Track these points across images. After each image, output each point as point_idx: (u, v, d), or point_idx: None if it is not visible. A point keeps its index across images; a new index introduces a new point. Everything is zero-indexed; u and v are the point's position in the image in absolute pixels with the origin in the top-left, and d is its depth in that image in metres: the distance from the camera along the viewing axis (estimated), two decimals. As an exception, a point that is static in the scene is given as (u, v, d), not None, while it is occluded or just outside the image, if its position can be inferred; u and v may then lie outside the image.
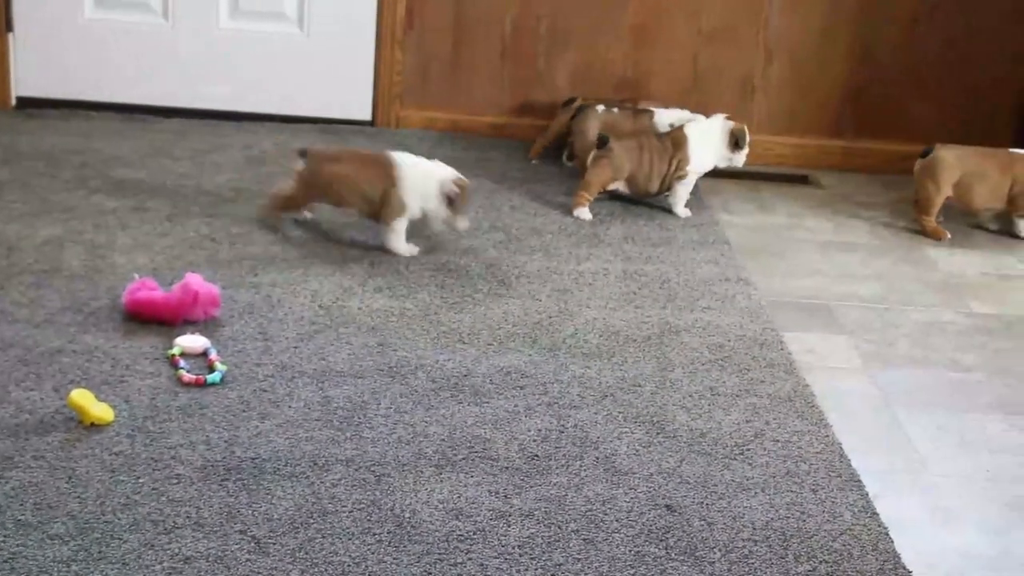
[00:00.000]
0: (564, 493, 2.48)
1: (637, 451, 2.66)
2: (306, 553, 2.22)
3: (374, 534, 2.29)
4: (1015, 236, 4.37)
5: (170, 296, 3.09)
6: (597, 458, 2.62)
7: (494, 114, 5.06)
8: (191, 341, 2.95)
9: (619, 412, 2.83)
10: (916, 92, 5.07)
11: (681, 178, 4.25)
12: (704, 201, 4.43)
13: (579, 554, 2.29)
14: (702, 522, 2.42)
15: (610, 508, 2.44)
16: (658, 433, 2.74)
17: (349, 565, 2.20)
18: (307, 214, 3.85)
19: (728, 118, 4.34)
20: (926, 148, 4.34)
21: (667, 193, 4.29)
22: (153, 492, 2.37)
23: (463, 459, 2.57)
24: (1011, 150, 4.42)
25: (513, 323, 3.26)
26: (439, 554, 2.25)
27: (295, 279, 3.43)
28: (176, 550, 2.20)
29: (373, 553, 2.24)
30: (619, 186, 4.25)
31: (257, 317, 3.17)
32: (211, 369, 2.85)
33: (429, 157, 3.79)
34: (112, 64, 4.93)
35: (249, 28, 4.94)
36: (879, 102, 5.09)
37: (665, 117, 4.54)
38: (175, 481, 2.41)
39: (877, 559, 2.36)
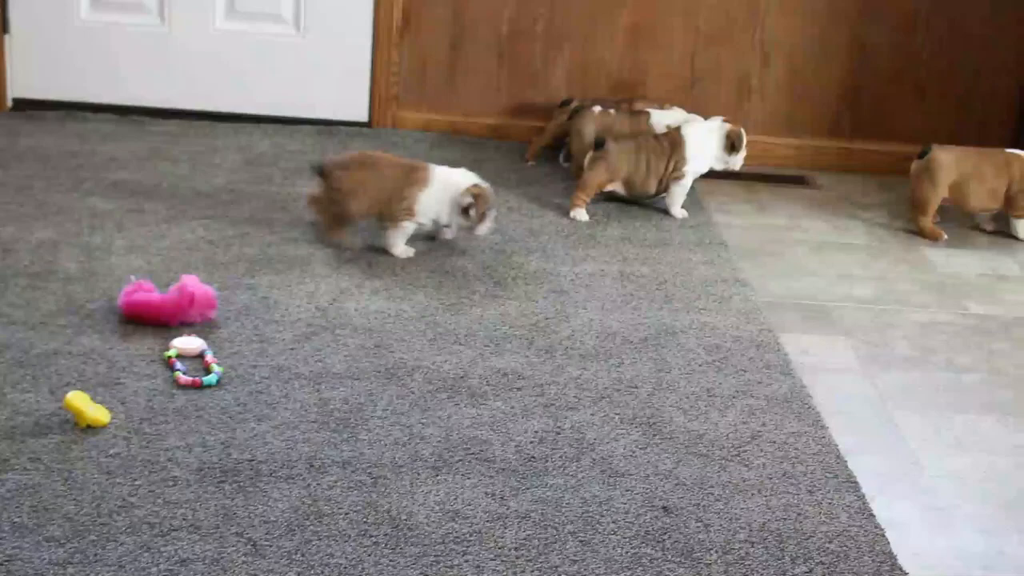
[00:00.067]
0: (561, 495, 2.48)
1: (634, 452, 2.66)
2: (303, 555, 2.22)
3: (371, 536, 2.29)
4: (1012, 237, 4.38)
5: (166, 298, 3.09)
6: (594, 460, 2.62)
7: (491, 115, 5.06)
8: (187, 343, 2.95)
9: (616, 414, 2.83)
10: (913, 93, 5.07)
11: (678, 179, 4.25)
12: (701, 202, 4.43)
13: (575, 556, 2.29)
14: (698, 524, 2.42)
15: (607, 510, 2.44)
16: (655, 435, 2.74)
17: (345, 567, 2.20)
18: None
19: (726, 120, 4.34)
20: (923, 149, 4.34)
21: (664, 194, 4.29)
22: (149, 494, 2.37)
23: (460, 461, 2.57)
24: (1007, 151, 4.41)
25: (510, 325, 3.26)
26: (436, 556, 2.25)
27: (292, 281, 3.43)
28: (172, 552, 2.20)
29: (369, 555, 2.24)
30: (616, 187, 4.25)
31: (254, 319, 3.17)
32: (207, 371, 2.85)
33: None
34: (108, 65, 4.93)
35: (245, 29, 4.94)
36: (876, 103, 5.09)
37: (661, 118, 4.55)
38: (171, 483, 2.41)
39: (873, 560, 2.36)
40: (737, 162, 4.33)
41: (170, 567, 2.16)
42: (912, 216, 4.37)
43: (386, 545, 2.27)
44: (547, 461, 2.60)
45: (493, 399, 2.85)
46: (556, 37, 5.00)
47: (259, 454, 2.54)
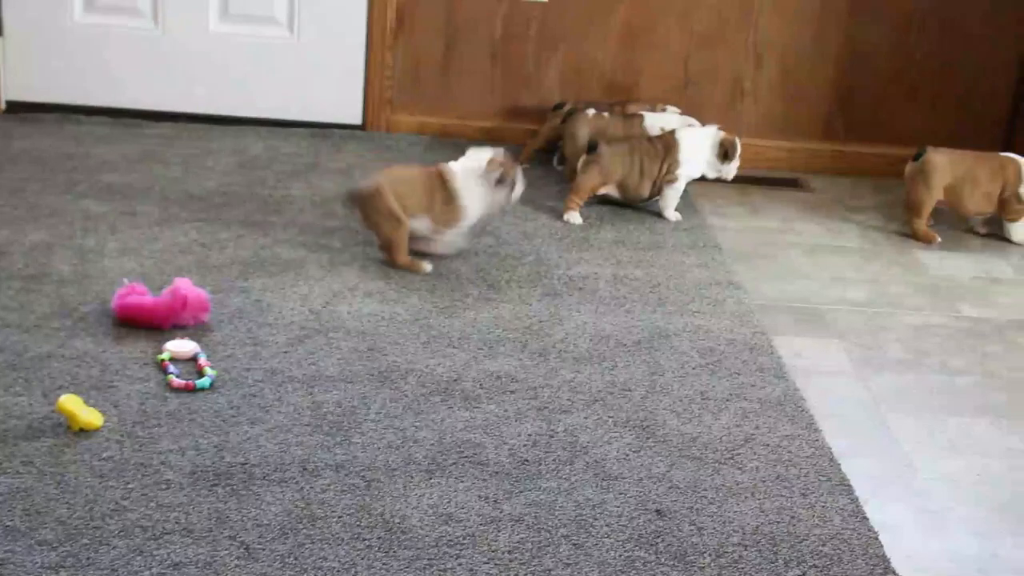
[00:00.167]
0: (554, 498, 2.48)
1: (627, 456, 2.66)
2: (295, 559, 2.22)
3: (364, 539, 2.29)
4: (1005, 240, 4.38)
5: (159, 301, 3.08)
6: (587, 463, 2.62)
7: (484, 118, 5.06)
8: (180, 346, 2.95)
9: (609, 417, 2.83)
10: (906, 96, 5.08)
11: (671, 182, 4.25)
12: (694, 205, 4.44)
13: (569, 559, 2.29)
14: (692, 527, 2.42)
15: (600, 513, 2.44)
16: (648, 438, 2.74)
17: (339, 570, 2.20)
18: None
19: (721, 128, 4.34)
20: (918, 151, 4.34)
21: (657, 197, 4.30)
22: (142, 498, 2.36)
23: (453, 464, 2.57)
24: (1002, 154, 4.42)
25: (503, 328, 3.26)
26: (429, 559, 2.25)
27: (285, 284, 3.43)
28: (165, 556, 2.20)
29: (363, 558, 2.23)
30: (609, 190, 4.25)
31: (247, 322, 3.17)
32: (200, 374, 2.85)
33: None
34: (102, 68, 4.93)
35: (239, 32, 4.94)
36: (869, 106, 5.10)
37: (655, 120, 4.55)
38: (164, 487, 2.41)
39: (867, 563, 2.36)
40: (730, 171, 4.33)
41: (163, 571, 2.16)
42: (906, 219, 4.38)
43: (379, 548, 2.27)
44: (540, 464, 2.60)
45: (486, 402, 2.85)
46: (549, 39, 5.00)
47: (252, 457, 2.53)
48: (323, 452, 2.57)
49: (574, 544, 2.33)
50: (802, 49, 5.03)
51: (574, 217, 4.15)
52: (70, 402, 2.57)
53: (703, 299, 3.57)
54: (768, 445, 2.76)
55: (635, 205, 4.34)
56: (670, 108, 4.76)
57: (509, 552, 2.29)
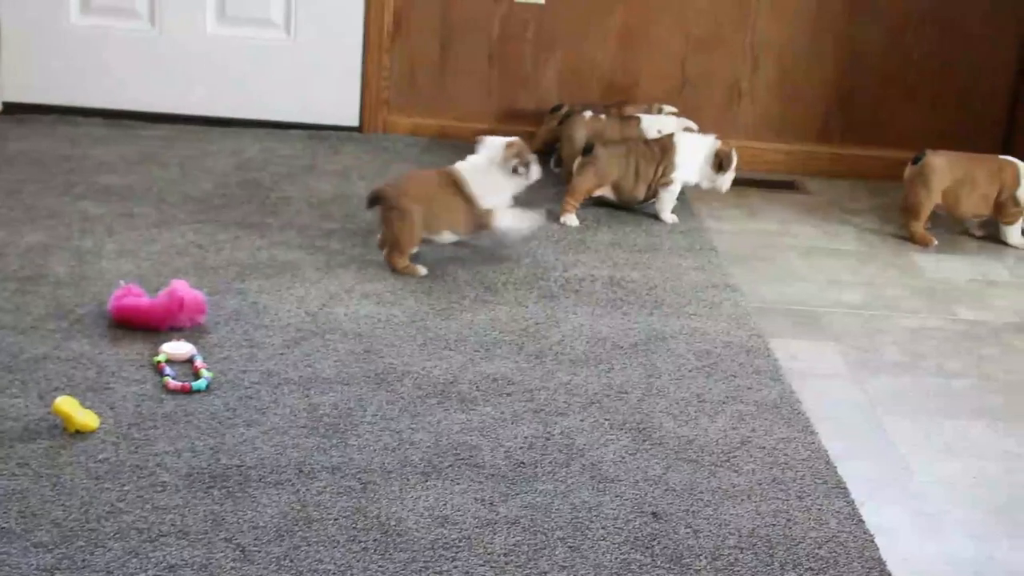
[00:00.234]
0: (550, 500, 2.47)
1: (623, 458, 2.66)
2: (291, 561, 2.22)
3: (360, 542, 2.29)
4: (1001, 242, 4.38)
5: (156, 303, 3.08)
6: (583, 465, 2.62)
7: (482, 120, 5.06)
8: (177, 348, 2.94)
9: (605, 419, 2.82)
10: (903, 98, 5.08)
11: (666, 185, 4.25)
12: (691, 208, 4.44)
13: (565, 562, 2.29)
14: (688, 529, 2.42)
15: (596, 515, 2.44)
16: (644, 440, 2.74)
17: (334, 573, 2.19)
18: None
19: (719, 139, 4.35)
20: (917, 154, 4.34)
21: (653, 200, 4.30)
22: (138, 500, 2.36)
23: (449, 466, 2.57)
24: (1000, 157, 4.43)
25: (500, 330, 3.26)
26: (425, 562, 2.25)
27: (282, 286, 3.43)
28: (161, 558, 2.20)
29: (359, 561, 2.23)
30: (605, 192, 4.26)
31: (243, 324, 3.17)
32: (197, 376, 2.85)
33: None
34: (99, 70, 4.93)
35: (236, 34, 4.94)
36: (866, 108, 5.10)
37: (652, 123, 4.55)
38: (160, 489, 2.41)
39: (863, 566, 2.36)
40: (724, 183, 4.34)
41: (158, 573, 2.16)
42: (904, 221, 4.38)
43: (375, 551, 2.26)
44: (536, 467, 2.60)
45: (483, 404, 2.85)
46: (547, 41, 5.00)
47: (248, 459, 2.53)
48: (319, 454, 2.57)
49: (570, 547, 2.33)
50: (799, 51, 5.03)
51: (571, 219, 4.15)
52: (66, 404, 2.57)
53: (699, 302, 3.57)
54: (764, 448, 2.76)
55: (630, 207, 4.34)
56: (667, 108, 4.77)
57: (505, 555, 2.29)
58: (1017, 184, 4.31)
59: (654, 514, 2.46)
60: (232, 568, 2.19)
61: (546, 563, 2.27)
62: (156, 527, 2.28)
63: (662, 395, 2.97)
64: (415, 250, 3.64)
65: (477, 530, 2.36)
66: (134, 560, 2.18)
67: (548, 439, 2.71)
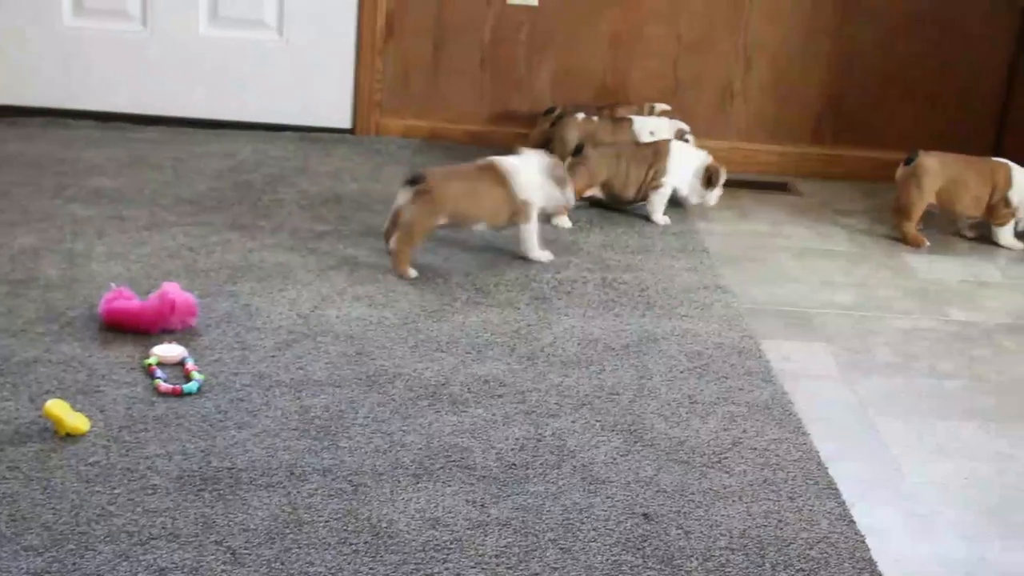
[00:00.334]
0: (541, 502, 2.47)
1: (615, 460, 2.66)
2: (282, 564, 2.21)
3: (350, 544, 2.29)
4: (993, 243, 4.39)
5: (147, 305, 3.08)
6: (574, 467, 2.61)
7: (474, 121, 5.06)
8: (168, 350, 2.94)
9: (597, 421, 2.82)
10: (896, 100, 5.09)
11: (656, 188, 4.26)
12: (683, 209, 4.43)
13: (556, 563, 2.28)
14: (679, 531, 2.42)
15: (587, 517, 2.43)
16: (636, 442, 2.74)
17: (325, 575, 2.19)
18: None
19: (710, 155, 4.35)
20: (909, 155, 4.35)
21: (643, 202, 4.30)
22: (128, 503, 2.36)
23: (440, 468, 2.57)
24: (993, 159, 4.43)
25: (492, 332, 3.26)
26: (416, 564, 2.24)
27: (273, 288, 3.42)
28: (151, 561, 2.19)
29: (349, 563, 2.23)
30: (595, 192, 4.26)
31: (235, 326, 3.17)
32: (188, 378, 2.84)
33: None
34: (91, 72, 4.92)
35: (228, 35, 4.94)
36: (858, 110, 5.11)
37: (644, 124, 4.56)
38: (151, 492, 2.40)
39: (854, 567, 2.36)
40: (712, 198, 4.35)
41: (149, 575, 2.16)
42: (896, 222, 4.38)
43: (366, 553, 2.26)
44: (528, 468, 2.59)
45: (474, 406, 2.84)
46: (540, 43, 5.00)
47: (239, 462, 2.53)
48: (310, 456, 2.57)
49: (561, 548, 2.33)
50: (792, 52, 5.04)
51: (563, 221, 4.14)
52: (57, 407, 2.56)
53: (691, 303, 3.57)
54: (756, 449, 2.76)
55: (623, 209, 4.34)
56: (659, 106, 4.78)
57: (496, 556, 2.29)
58: (1009, 185, 4.31)
59: (645, 515, 2.46)
60: (223, 571, 2.18)
61: (537, 564, 2.27)
62: (147, 530, 2.28)
63: (654, 396, 2.97)
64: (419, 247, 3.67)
65: (468, 532, 2.35)
66: (124, 563, 2.18)
67: (539, 441, 2.71)
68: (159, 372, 2.85)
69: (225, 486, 2.44)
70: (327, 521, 2.35)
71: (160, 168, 4.41)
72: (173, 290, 3.10)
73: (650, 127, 4.56)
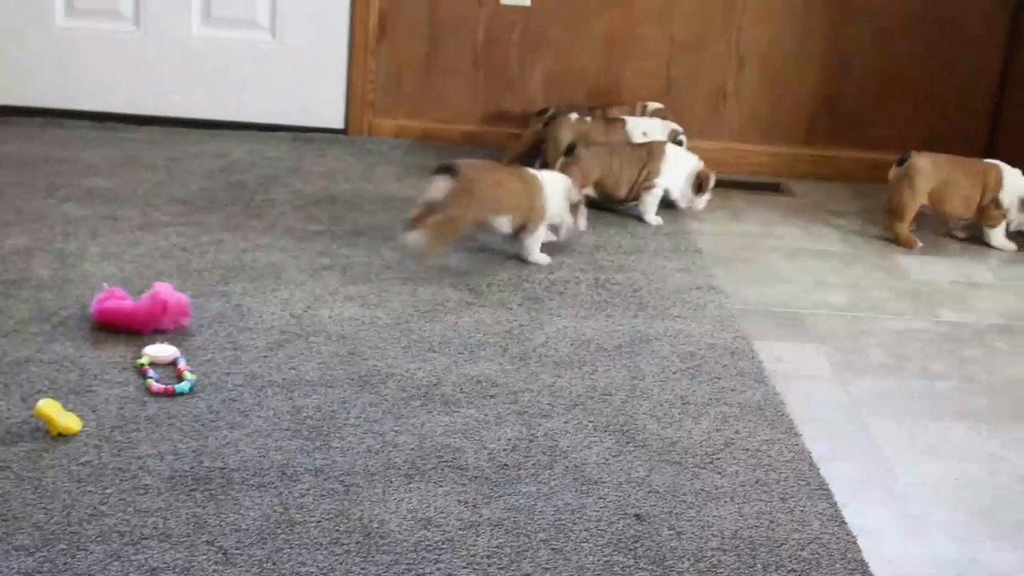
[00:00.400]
0: (533, 502, 2.47)
1: (607, 460, 2.66)
2: (274, 564, 2.21)
3: (342, 544, 2.28)
4: (984, 244, 4.40)
5: (139, 305, 3.08)
6: (567, 467, 2.61)
7: (467, 122, 5.07)
8: (160, 351, 2.94)
9: (589, 421, 2.82)
10: (888, 101, 5.10)
11: (648, 188, 4.27)
12: (676, 209, 4.44)
13: (548, 564, 2.28)
14: (671, 531, 2.42)
15: (579, 517, 2.43)
16: (628, 442, 2.74)
17: (317, 575, 2.20)
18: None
19: (701, 160, 4.36)
20: (902, 156, 4.36)
21: (635, 202, 4.31)
22: (120, 503, 2.36)
23: (432, 469, 2.57)
24: (986, 160, 4.44)
25: (484, 332, 3.26)
26: (407, 564, 2.24)
27: (266, 288, 3.42)
28: (143, 561, 2.19)
29: (341, 563, 2.23)
30: (588, 191, 4.26)
31: (227, 326, 3.16)
32: (180, 379, 2.84)
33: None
34: (84, 72, 4.92)
35: (221, 36, 4.94)
36: (851, 111, 5.11)
37: (637, 125, 4.56)
38: (142, 492, 2.40)
39: (845, 567, 2.36)
40: (700, 203, 4.37)
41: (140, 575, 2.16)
42: (888, 222, 4.39)
43: (358, 553, 2.26)
44: (520, 469, 2.59)
45: (467, 407, 2.84)
46: (533, 44, 5.01)
47: (231, 462, 2.53)
48: (302, 457, 2.57)
49: (553, 549, 2.33)
50: (785, 52, 5.05)
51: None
52: (48, 407, 2.56)
53: (684, 303, 3.57)
54: (748, 449, 2.76)
55: (616, 209, 4.34)
56: (651, 105, 4.78)
57: (488, 557, 2.29)
58: (1000, 187, 4.32)
59: (637, 516, 2.46)
60: (214, 571, 2.18)
61: (529, 565, 2.27)
62: (138, 530, 2.28)
63: (646, 397, 2.97)
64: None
65: (460, 532, 2.35)
66: (116, 563, 2.18)
67: (532, 441, 2.71)
68: (151, 372, 2.85)
69: (217, 486, 2.44)
70: (319, 521, 2.35)
71: (153, 168, 4.40)
72: (165, 290, 3.10)
73: (643, 127, 4.56)
